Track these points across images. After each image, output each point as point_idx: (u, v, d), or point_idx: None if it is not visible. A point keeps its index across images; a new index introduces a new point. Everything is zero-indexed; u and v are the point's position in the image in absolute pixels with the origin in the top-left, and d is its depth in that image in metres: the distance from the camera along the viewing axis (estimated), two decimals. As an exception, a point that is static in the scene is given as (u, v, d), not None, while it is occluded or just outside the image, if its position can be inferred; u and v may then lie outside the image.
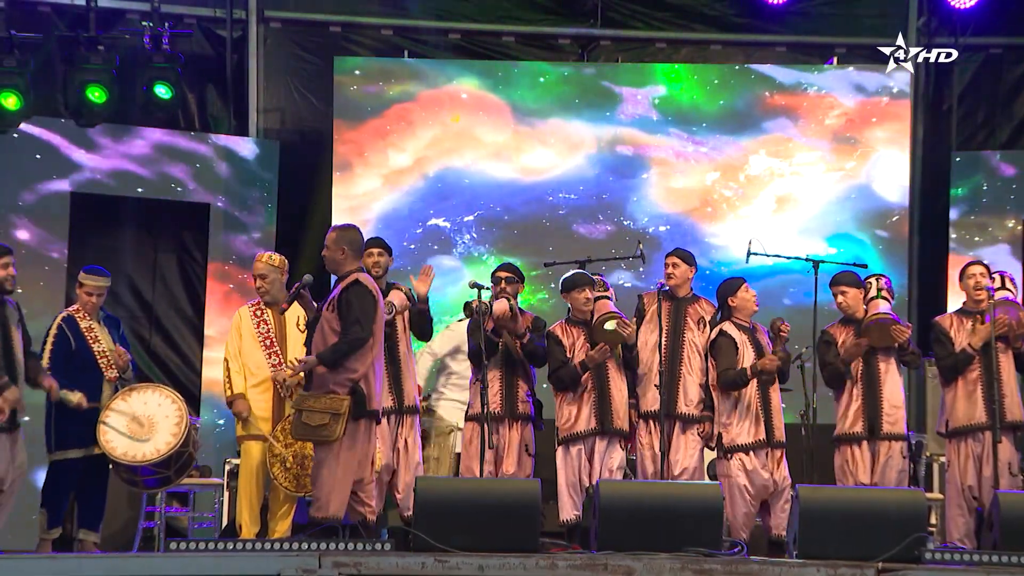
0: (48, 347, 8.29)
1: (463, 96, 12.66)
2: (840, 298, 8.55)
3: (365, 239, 7.85)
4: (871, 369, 8.39)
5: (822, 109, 12.65)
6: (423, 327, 8.54)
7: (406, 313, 8.40)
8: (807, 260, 9.09)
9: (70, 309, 8.50)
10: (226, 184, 11.96)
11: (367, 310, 7.43)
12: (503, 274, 8.60)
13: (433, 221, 12.57)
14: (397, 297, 8.27)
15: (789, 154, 12.69)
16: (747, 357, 8.31)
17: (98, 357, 8.38)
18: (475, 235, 12.63)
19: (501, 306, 8.28)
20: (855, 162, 12.55)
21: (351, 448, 7.37)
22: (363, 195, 12.48)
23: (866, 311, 8.44)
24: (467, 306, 8.37)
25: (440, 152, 12.70)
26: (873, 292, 8.49)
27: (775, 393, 8.44)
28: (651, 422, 8.42)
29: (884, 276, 8.69)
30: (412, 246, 12.51)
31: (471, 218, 12.68)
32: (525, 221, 12.68)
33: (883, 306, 8.39)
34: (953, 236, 12.17)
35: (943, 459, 8.94)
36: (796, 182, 12.64)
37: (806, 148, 12.70)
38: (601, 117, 12.70)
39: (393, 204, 12.60)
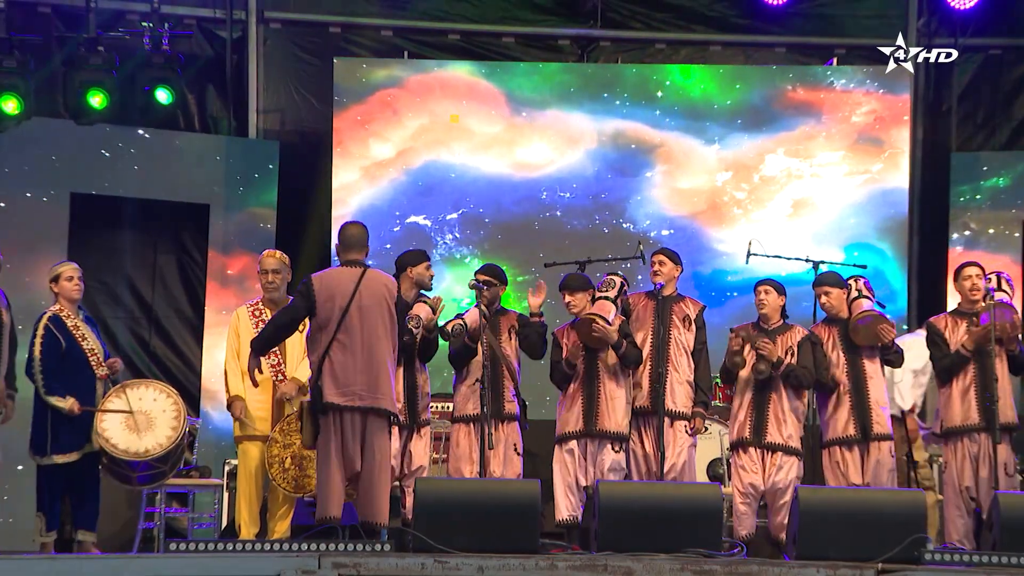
0: (38, 349, 8.22)
1: (455, 83, 12.14)
2: (824, 299, 8.59)
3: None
4: (857, 371, 8.41)
5: (848, 105, 12.15)
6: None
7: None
8: (807, 261, 9.12)
9: (53, 309, 8.38)
10: (226, 185, 11.96)
11: (296, 300, 7.53)
12: (483, 278, 8.45)
13: (413, 218, 11.99)
14: (423, 310, 8.17)
15: (810, 154, 12.12)
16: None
17: (88, 355, 8.35)
18: (458, 235, 12.04)
19: (472, 318, 8.26)
20: (882, 164, 12.11)
21: (325, 446, 7.38)
22: (339, 188, 12.08)
23: (850, 311, 8.47)
24: (442, 330, 8.29)
25: (426, 143, 12.13)
26: (854, 293, 8.51)
27: (780, 396, 8.42)
28: (640, 421, 8.46)
29: (864, 277, 8.71)
30: (388, 246, 11.63)
31: (455, 216, 12.05)
32: (514, 221, 12.07)
33: (867, 305, 8.42)
34: (953, 237, 12.16)
35: (942, 460, 8.94)
36: (815, 185, 12.08)
37: (828, 148, 12.10)
38: (603, 109, 12.18)
39: (371, 199, 12.09)
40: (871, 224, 12.11)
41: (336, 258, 7.85)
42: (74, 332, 8.32)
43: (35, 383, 8.19)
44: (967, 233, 12.17)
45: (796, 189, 12.12)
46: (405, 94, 12.23)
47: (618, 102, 12.25)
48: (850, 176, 12.16)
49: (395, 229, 11.97)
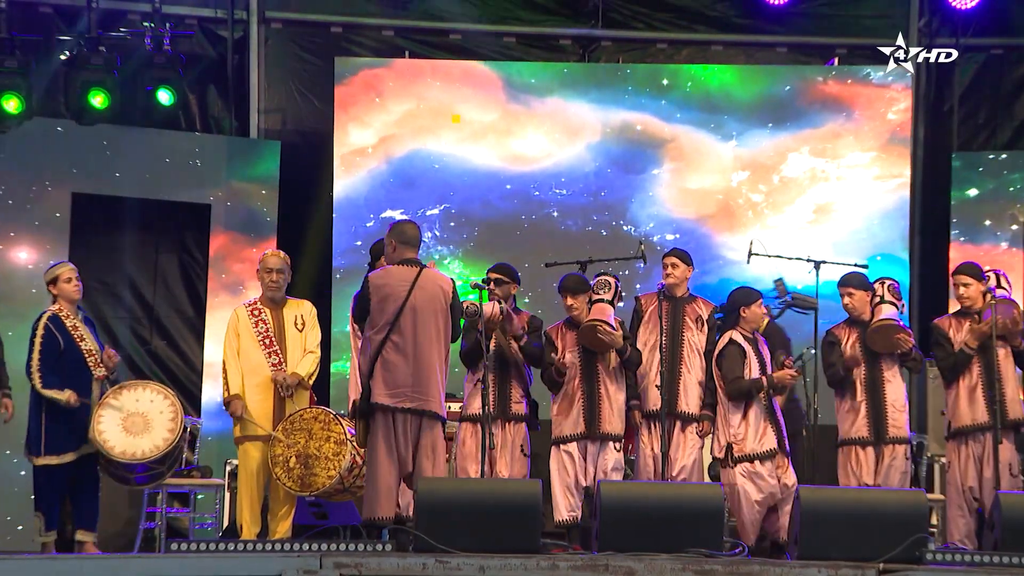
0: (37, 348, 8.24)
1: (447, 65, 11.51)
2: (846, 299, 8.55)
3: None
4: (874, 373, 8.40)
5: (884, 102, 11.47)
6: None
7: None
8: (808, 261, 9.11)
9: (52, 308, 8.40)
10: (227, 184, 11.95)
11: (359, 301, 7.48)
12: (493, 275, 8.51)
13: (389, 213, 11.25)
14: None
15: (837, 153, 11.34)
16: (752, 367, 8.33)
17: (86, 355, 8.35)
18: (438, 232, 11.29)
19: (491, 308, 8.28)
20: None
21: (375, 446, 7.40)
22: (314, 177, 11.44)
23: (872, 315, 8.44)
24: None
25: (412, 131, 11.40)
26: (878, 297, 8.48)
27: (777, 400, 8.47)
28: (652, 422, 8.44)
29: (891, 279, 8.66)
30: (359, 243, 11.11)
31: (436, 211, 11.28)
32: (502, 219, 11.29)
33: (888, 311, 8.39)
34: (954, 238, 12.13)
35: (944, 460, 8.95)
36: (840, 188, 11.26)
37: (858, 148, 11.29)
38: (610, 99, 11.46)
39: (346, 189, 11.50)
40: (899, 233, 11.49)
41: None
42: (72, 332, 8.34)
43: (32, 381, 8.20)
44: (1014, 228, 11.86)
45: (820, 193, 11.41)
46: (392, 76, 11.71)
47: (627, 92, 11.53)
48: (880, 180, 11.48)
49: (368, 224, 11.41)
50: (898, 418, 8.35)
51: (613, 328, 8.22)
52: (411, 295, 7.43)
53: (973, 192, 11.95)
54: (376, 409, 7.41)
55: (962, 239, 11.83)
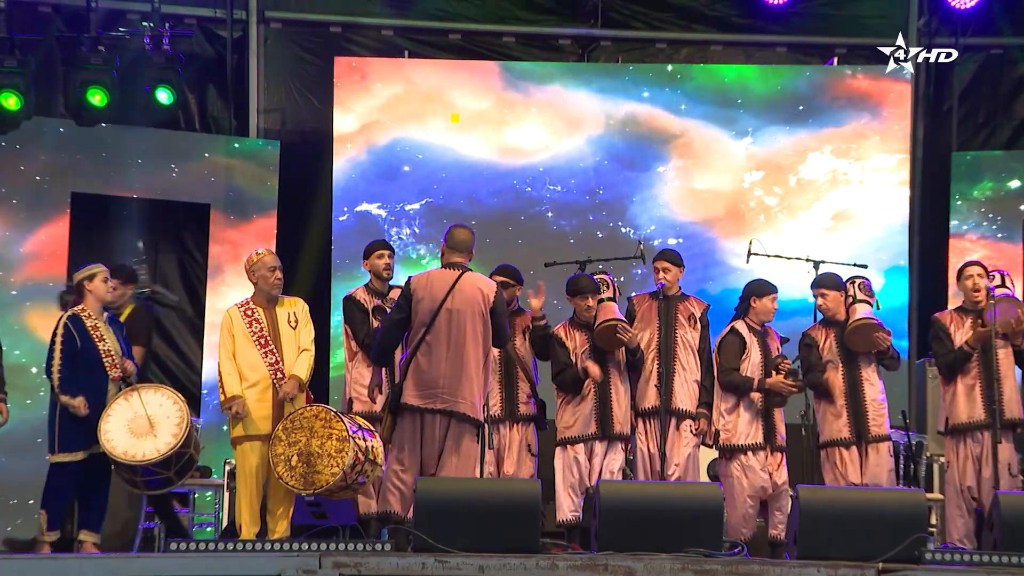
0: (58, 349, 8.22)
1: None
2: (820, 300, 8.60)
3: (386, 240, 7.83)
4: (853, 373, 8.43)
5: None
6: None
7: None
8: (807, 260, 9.11)
9: (75, 308, 8.39)
10: (226, 184, 11.96)
11: (398, 301, 7.61)
12: (498, 279, 8.40)
13: (364, 207, 10.70)
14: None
15: (862, 155, 10.69)
16: (753, 358, 8.38)
17: (103, 356, 8.34)
18: (418, 229, 10.62)
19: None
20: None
21: (400, 443, 7.52)
22: (286, 167, 10.78)
23: (847, 315, 8.46)
24: None
25: (397, 117, 10.74)
26: (851, 298, 8.49)
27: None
28: (647, 420, 8.45)
29: (862, 278, 8.68)
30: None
31: (417, 206, 10.63)
32: (490, 216, 10.55)
33: (864, 310, 8.41)
34: (953, 238, 12.12)
35: (943, 459, 8.96)
36: (863, 193, 10.56)
37: (884, 149, 10.59)
38: (616, 88, 10.83)
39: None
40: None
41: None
42: (92, 332, 8.32)
43: (51, 381, 8.21)
44: (966, 235, 11.89)
45: (840, 197, 10.69)
46: (378, 58, 11.37)
47: (633, 82, 10.84)
48: (904, 185, 10.85)
49: (342, 218, 10.85)
50: (879, 417, 8.39)
51: (628, 326, 8.27)
52: (448, 298, 7.49)
53: (1015, 184, 11.47)
54: (405, 410, 7.50)
55: (999, 235, 11.37)
